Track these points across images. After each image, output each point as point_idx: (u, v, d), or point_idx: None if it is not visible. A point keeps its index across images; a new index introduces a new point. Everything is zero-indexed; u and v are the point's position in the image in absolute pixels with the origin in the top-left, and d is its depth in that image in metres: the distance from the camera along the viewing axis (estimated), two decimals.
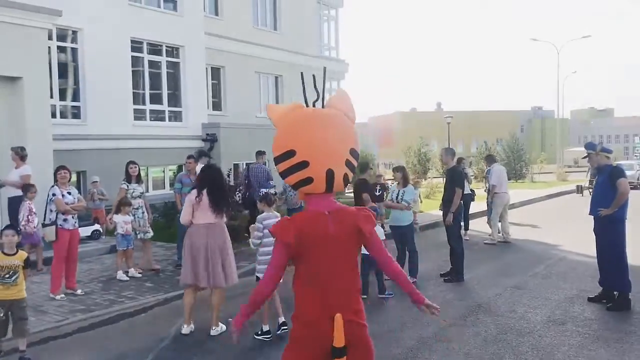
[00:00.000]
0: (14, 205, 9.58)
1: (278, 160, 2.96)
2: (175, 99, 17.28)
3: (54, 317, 6.91)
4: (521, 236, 13.01)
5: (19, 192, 9.38)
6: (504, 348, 5.86)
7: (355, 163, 3.04)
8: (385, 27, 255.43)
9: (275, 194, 6.37)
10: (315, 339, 2.94)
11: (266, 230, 6.00)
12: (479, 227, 13.66)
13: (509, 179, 31.86)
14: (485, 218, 13.07)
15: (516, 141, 36.67)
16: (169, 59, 16.94)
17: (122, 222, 9.00)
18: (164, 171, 17.05)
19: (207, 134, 17.37)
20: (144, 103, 16.33)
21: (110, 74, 14.95)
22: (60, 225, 7.91)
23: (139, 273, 9.14)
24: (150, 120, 16.50)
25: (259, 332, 6.23)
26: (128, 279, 8.93)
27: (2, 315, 5.44)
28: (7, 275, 5.45)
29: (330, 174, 2.91)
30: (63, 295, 7.87)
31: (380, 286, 8.00)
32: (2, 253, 5.50)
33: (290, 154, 2.91)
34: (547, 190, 26.06)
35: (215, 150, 17.31)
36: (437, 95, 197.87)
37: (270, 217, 6.23)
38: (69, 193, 8.05)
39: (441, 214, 9.43)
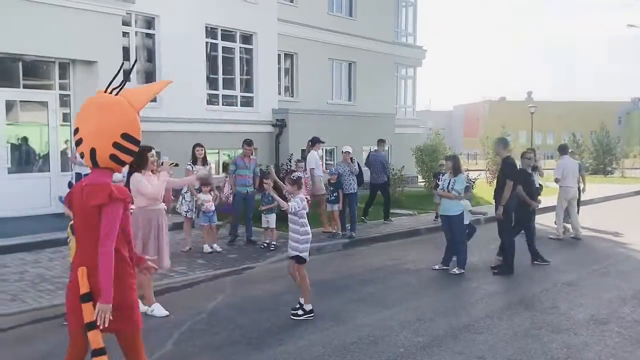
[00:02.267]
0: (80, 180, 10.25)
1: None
2: (247, 84, 17.70)
3: None
4: (593, 233, 12.41)
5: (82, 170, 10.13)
6: (532, 343, 5.69)
7: (130, 146, 3.48)
8: (471, 11, 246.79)
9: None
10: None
11: (303, 211, 6.41)
12: (547, 221, 13.15)
13: (594, 173, 30.69)
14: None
15: (606, 134, 34.68)
16: (242, 45, 17.35)
17: (204, 200, 9.51)
18: (234, 155, 17.50)
19: (277, 120, 17.69)
20: (216, 88, 16.83)
21: (185, 59, 15.51)
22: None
23: (211, 250, 9.61)
24: (223, 105, 17.00)
25: (301, 312, 6.40)
26: (212, 250, 9.55)
27: None
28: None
29: (93, 152, 3.40)
30: None
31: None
32: None
33: (76, 130, 3.56)
34: (636, 187, 24.54)
35: (283, 135, 17.62)
36: (528, 84, 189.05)
37: (303, 198, 6.50)
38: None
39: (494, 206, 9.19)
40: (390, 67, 23.47)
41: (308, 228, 6.54)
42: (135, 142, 3.47)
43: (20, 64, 11.47)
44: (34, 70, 11.86)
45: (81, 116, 3.46)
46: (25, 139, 11.88)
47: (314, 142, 11.96)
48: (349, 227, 11.09)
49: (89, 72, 11.77)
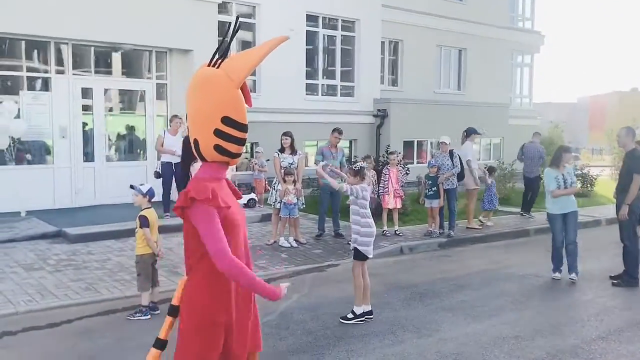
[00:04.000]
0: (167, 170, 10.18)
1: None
2: (348, 73, 17.10)
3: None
4: None
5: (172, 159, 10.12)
6: None
7: (233, 132, 2.73)
8: None
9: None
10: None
11: (364, 201, 5.94)
12: None
13: None
14: None
15: None
16: (344, 33, 16.76)
17: (286, 190, 9.06)
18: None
19: (379, 110, 16.96)
20: (316, 78, 16.39)
21: (285, 48, 15.02)
22: None
23: (296, 243, 9.20)
24: (322, 95, 16.53)
25: (350, 316, 5.87)
26: (290, 245, 9.10)
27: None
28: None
29: (196, 144, 2.74)
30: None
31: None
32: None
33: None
34: None
35: (384, 126, 16.86)
36: None
37: (365, 188, 5.97)
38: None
39: (615, 205, 7.94)
40: (505, 54, 21.87)
41: (371, 221, 5.93)
42: (240, 126, 2.69)
43: (118, 54, 11.62)
44: (132, 60, 11.99)
45: (186, 100, 2.81)
46: (124, 128, 12.07)
47: (469, 133, 11.23)
48: (448, 226, 10.19)
49: (185, 61, 11.71)
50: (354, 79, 17.07)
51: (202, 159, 2.74)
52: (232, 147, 2.69)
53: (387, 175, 10.17)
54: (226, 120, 2.64)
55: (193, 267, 2.72)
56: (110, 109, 11.82)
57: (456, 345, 5.28)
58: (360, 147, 16.77)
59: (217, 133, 2.64)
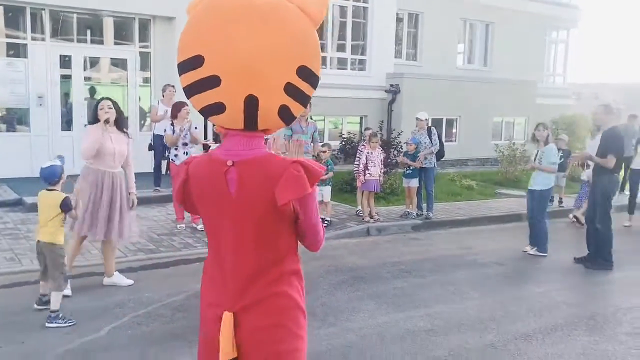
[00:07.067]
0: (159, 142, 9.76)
1: (181, 68, 1.94)
2: (359, 46, 16.42)
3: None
4: None
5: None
6: None
7: (307, 89, 1.93)
8: None
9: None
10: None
11: None
12: None
13: None
14: None
15: None
16: (355, 3, 16.06)
17: None
18: (341, 122, 16.47)
19: (391, 85, 16.24)
20: (325, 50, 15.78)
21: None
22: (172, 160, 8.14)
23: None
24: (330, 68, 15.93)
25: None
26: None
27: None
28: None
29: (251, 103, 1.86)
30: (183, 226, 8.15)
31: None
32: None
33: (196, 61, 1.88)
34: None
35: (396, 102, 16.15)
36: None
37: None
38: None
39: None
40: (537, 29, 20.57)
41: None
42: (317, 81, 1.96)
43: (100, 21, 11.40)
44: (114, 28, 11.74)
45: (215, 32, 1.86)
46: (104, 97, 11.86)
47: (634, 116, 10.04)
48: (426, 207, 9.55)
49: (169, 29, 11.40)
50: (366, 51, 16.37)
51: (250, 125, 1.93)
52: (298, 110, 1.97)
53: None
54: (303, 72, 1.90)
55: (271, 270, 2.03)
56: (90, 78, 11.62)
57: (355, 337, 4.81)
58: (371, 123, 16.05)
59: (289, 88, 1.88)
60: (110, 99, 5.70)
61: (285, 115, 1.93)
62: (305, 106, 2.00)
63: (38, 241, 4.97)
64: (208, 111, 1.93)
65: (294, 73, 1.88)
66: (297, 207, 1.98)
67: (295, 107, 1.93)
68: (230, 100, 1.86)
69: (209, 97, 1.88)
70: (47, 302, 4.96)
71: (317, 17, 1.93)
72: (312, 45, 1.93)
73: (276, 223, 1.98)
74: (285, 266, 2.05)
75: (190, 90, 1.92)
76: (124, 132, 5.69)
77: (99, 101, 5.68)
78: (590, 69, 72.74)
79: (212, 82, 1.85)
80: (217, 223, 2.03)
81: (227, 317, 1.97)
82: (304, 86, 1.91)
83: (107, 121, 5.45)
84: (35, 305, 5.10)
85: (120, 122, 5.66)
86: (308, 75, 1.91)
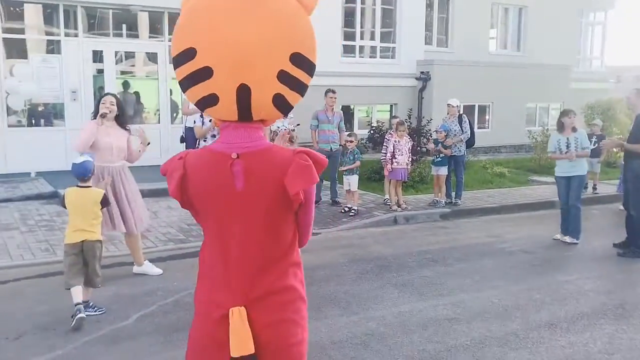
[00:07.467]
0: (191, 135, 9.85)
1: (175, 62, 1.94)
2: (389, 34, 16.28)
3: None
4: None
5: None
6: None
7: (302, 76, 1.92)
8: None
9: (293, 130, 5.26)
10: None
11: None
12: None
13: None
14: None
15: None
16: None
17: None
18: (370, 111, 16.40)
19: (421, 72, 16.08)
20: (353, 39, 15.71)
21: (320, 9, 14.60)
22: None
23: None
24: (360, 57, 15.86)
25: None
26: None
27: None
28: None
29: (243, 93, 1.86)
30: None
31: None
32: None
33: (188, 54, 1.88)
34: None
35: (427, 90, 16.00)
36: None
37: None
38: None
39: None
40: (572, 11, 20.05)
41: None
42: (312, 68, 1.95)
43: (131, 16, 11.61)
44: (144, 23, 11.94)
45: (205, 23, 1.86)
46: (135, 91, 12.12)
47: None
48: (455, 195, 9.49)
49: None
50: (395, 38, 16.23)
51: (245, 116, 1.92)
52: (295, 98, 1.94)
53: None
54: (297, 59, 1.88)
55: (278, 263, 2.03)
56: (124, 72, 11.87)
57: (377, 325, 4.84)
58: (401, 111, 15.95)
59: (282, 76, 1.87)
60: (114, 95, 5.81)
61: (281, 104, 1.92)
62: (302, 94, 1.95)
63: (83, 241, 4.80)
64: (203, 103, 1.92)
65: (287, 60, 1.86)
66: (303, 197, 1.98)
67: (290, 96, 1.92)
68: (223, 91, 1.86)
69: (202, 89, 1.88)
70: (88, 307, 4.91)
71: (309, 4, 1.94)
72: (305, 32, 1.92)
73: (283, 214, 1.99)
74: (290, 258, 2.06)
75: (185, 84, 1.91)
76: (126, 128, 5.76)
77: (102, 96, 5.76)
78: (633, 51, 70.43)
79: (205, 74, 1.85)
80: (219, 218, 1.99)
81: (237, 312, 1.93)
82: (298, 73, 1.89)
83: (102, 115, 5.51)
84: (80, 315, 4.64)
85: (122, 119, 5.73)
86: (302, 62, 1.89)
